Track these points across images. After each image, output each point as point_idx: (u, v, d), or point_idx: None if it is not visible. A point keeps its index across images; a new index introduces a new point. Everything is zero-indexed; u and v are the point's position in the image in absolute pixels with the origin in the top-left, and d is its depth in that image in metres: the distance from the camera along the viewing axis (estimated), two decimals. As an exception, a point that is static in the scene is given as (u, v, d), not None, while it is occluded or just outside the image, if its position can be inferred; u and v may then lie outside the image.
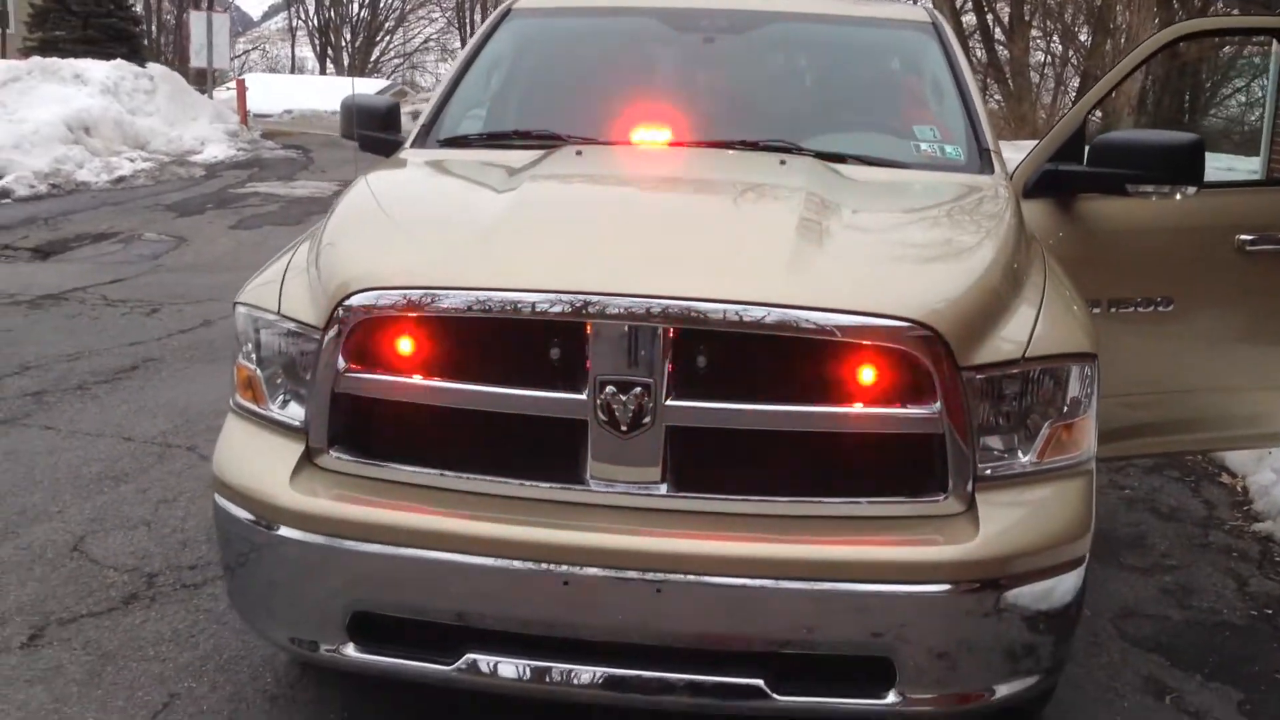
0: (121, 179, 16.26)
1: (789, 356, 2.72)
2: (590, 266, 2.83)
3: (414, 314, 2.77)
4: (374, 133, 4.19)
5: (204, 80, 25.21)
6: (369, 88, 49.06)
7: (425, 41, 62.00)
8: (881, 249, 3.16)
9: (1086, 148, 4.12)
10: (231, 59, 26.07)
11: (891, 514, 2.75)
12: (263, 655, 3.75)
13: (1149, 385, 4.30)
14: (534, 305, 2.69)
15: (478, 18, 57.84)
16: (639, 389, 2.66)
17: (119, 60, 20.12)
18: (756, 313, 2.65)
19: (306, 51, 64.58)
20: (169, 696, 3.52)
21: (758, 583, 2.63)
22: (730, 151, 3.88)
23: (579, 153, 3.78)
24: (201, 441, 5.80)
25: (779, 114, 4.13)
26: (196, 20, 23.93)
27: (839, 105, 4.37)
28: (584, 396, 2.69)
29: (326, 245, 3.09)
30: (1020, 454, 2.82)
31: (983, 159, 3.93)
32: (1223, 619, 4.39)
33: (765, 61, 4.50)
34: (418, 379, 2.80)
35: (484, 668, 2.78)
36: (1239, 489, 5.80)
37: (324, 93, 41.65)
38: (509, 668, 2.77)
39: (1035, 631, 2.78)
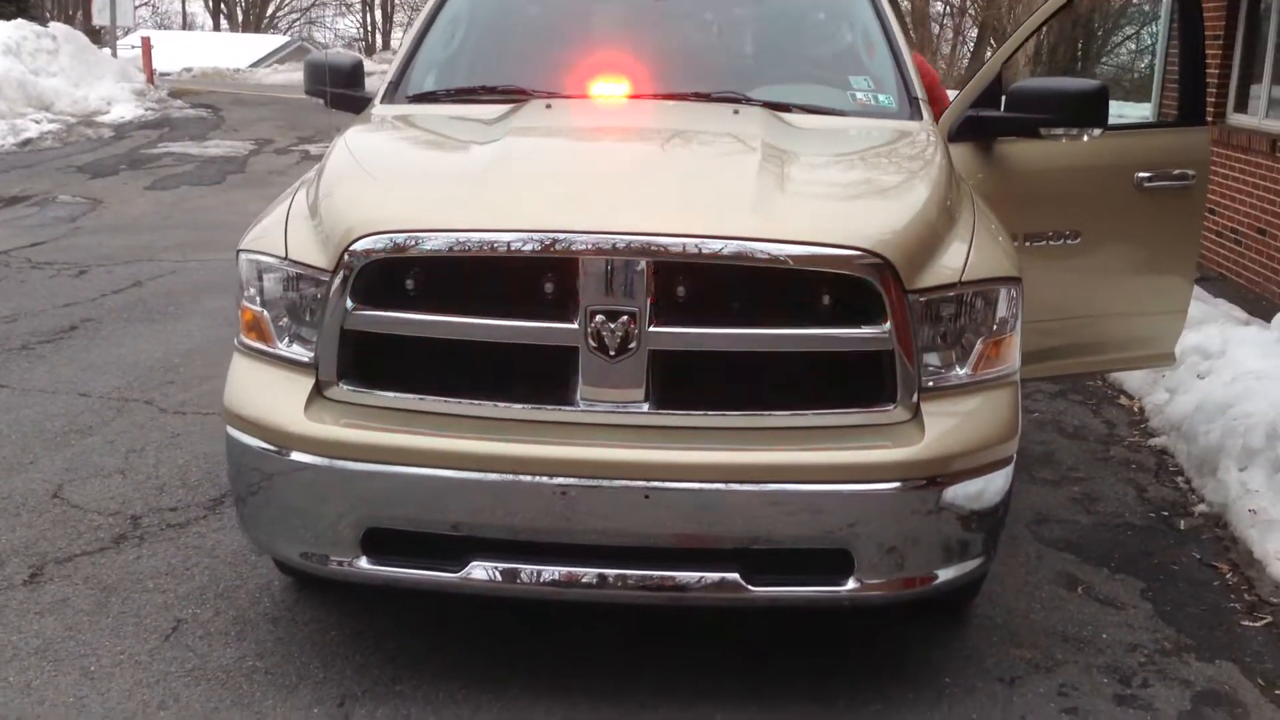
0: (28, 141, 15.99)
1: (758, 285, 3.06)
2: (563, 208, 3.13)
3: (414, 255, 3.05)
4: (341, 89, 4.41)
5: (106, 39, 24.64)
6: (266, 44, 48.10)
7: (322, -5, 60.71)
8: (831, 188, 3.52)
9: (1003, 95, 4.49)
10: (135, 15, 25.37)
11: (848, 423, 3.11)
12: (258, 583, 4.02)
13: (1059, 312, 4.70)
14: (509, 244, 3.00)
15: (375, -28, 56.88)
16: (625, 317, 2.97)
17: (20, 20, 19.64)
18: (715, 245, 2.98)
19: (195, 7, 62.85)
20: (175, 621, 3.77)
21: (735, 487, 2.99)
22: (686, 103, 4.19)
23: (548, 106, 4.07)
24: (158, 395, 5.98)
25: (728, 67, 4.44)
26: (100, -24, 23.41)
27: (782, 58, 4.69)
28: (575, 325, 3.00)
29: (325, 195, 3.34)
30: (957, 367, 3.20)
31: (912, 106, 4.29)
32: (1125, 521, 4.86)
33: (711, 17, 4.80)
34: (424, 315, 3.08)
35: (489, 574, 3.09)
36: (1136, 409, 6.31)
37: (223, 49, 40.84)
38: (513, 573, 3.09)
39: (972, 521, 3.17)
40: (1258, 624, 3.99)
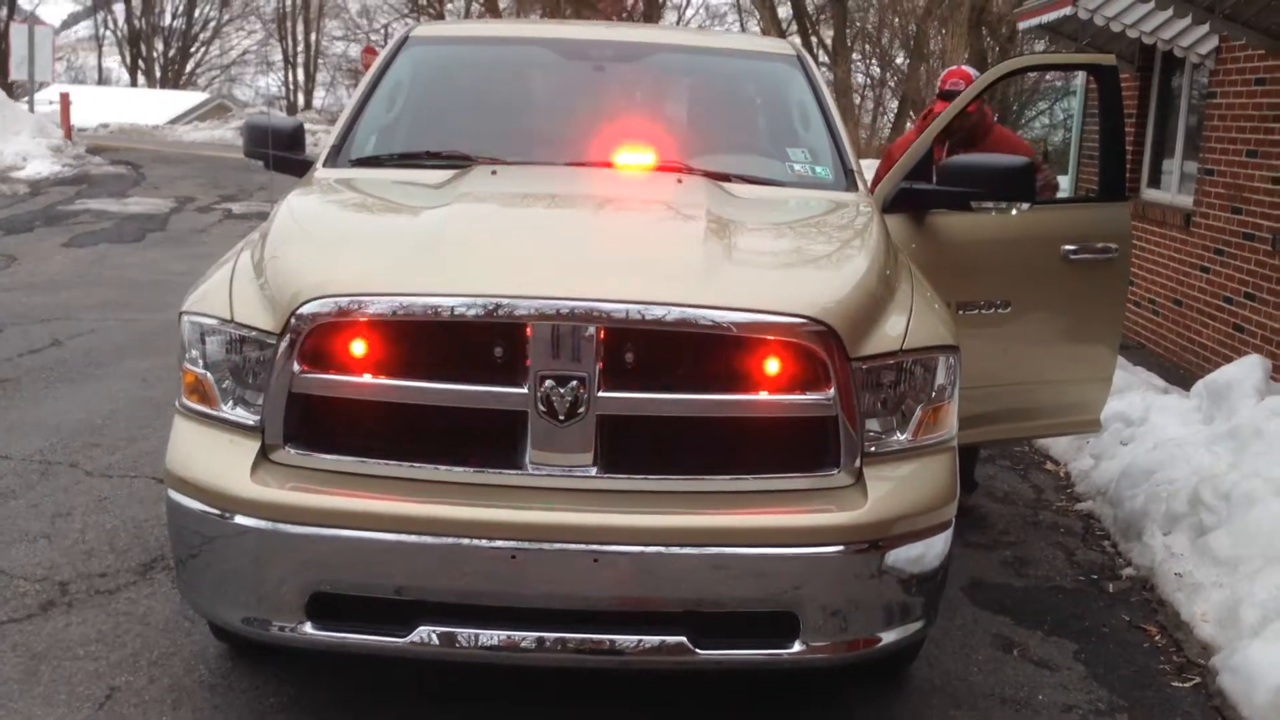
0: (-61, 196, 15.66)
1: (705, 352, 3.11)
2: (507, 274, 3.16)
3: (358, 318, 3.05)
4: (282, 152, 4.41)
5: (19, 93, 24.29)
6: (185, 101, 47.69)
7: (243, 54, 60.48)
8: (775, 256, 3.60)
9: (934, 169, 4.63)
10: (53, 70, 24.93)
11: (792, 487, 3.15)
12: (193, 649, 3.94)
13: (990, 379, 4.81)
14: (452, 309, 3.02)
15: (299, 30, 56.87)
16: (575, 382, 3.00)
17: (-67, 74, 19.34)
18: (657, 311, 3.02)
19: (112, 62, 62.12)
20: (109, 689, 3.68)
21: (682, 550, 3.00)
22: (630, 172, 4.26)
23: (494, 172, 4.11)
24: (82, 458, 5.85)
25: (669, 138, 4.53)
26: (17, 33, 22.98)
27: (720, 130, 4.80)
28: (525, 390, 3.02)
29: (270, 258, 3.33)
30: (898, 433, 3.26)
31: (848, 178, 4.41)
32: (1056, 584, 4.97)
33: (653, 89, 4.91)
34: (372, 379, 3.08)
35: (437, 639, 3.06)
36: (1062, 474, 6.47)
37: (141, 105, 40.40)
38: (461, 638, 3.06)
39: (914, 584, 3.22)
40: (1186, 685, 4.09)
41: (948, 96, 5.85)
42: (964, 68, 6.01)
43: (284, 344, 3.07)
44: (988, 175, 4.36)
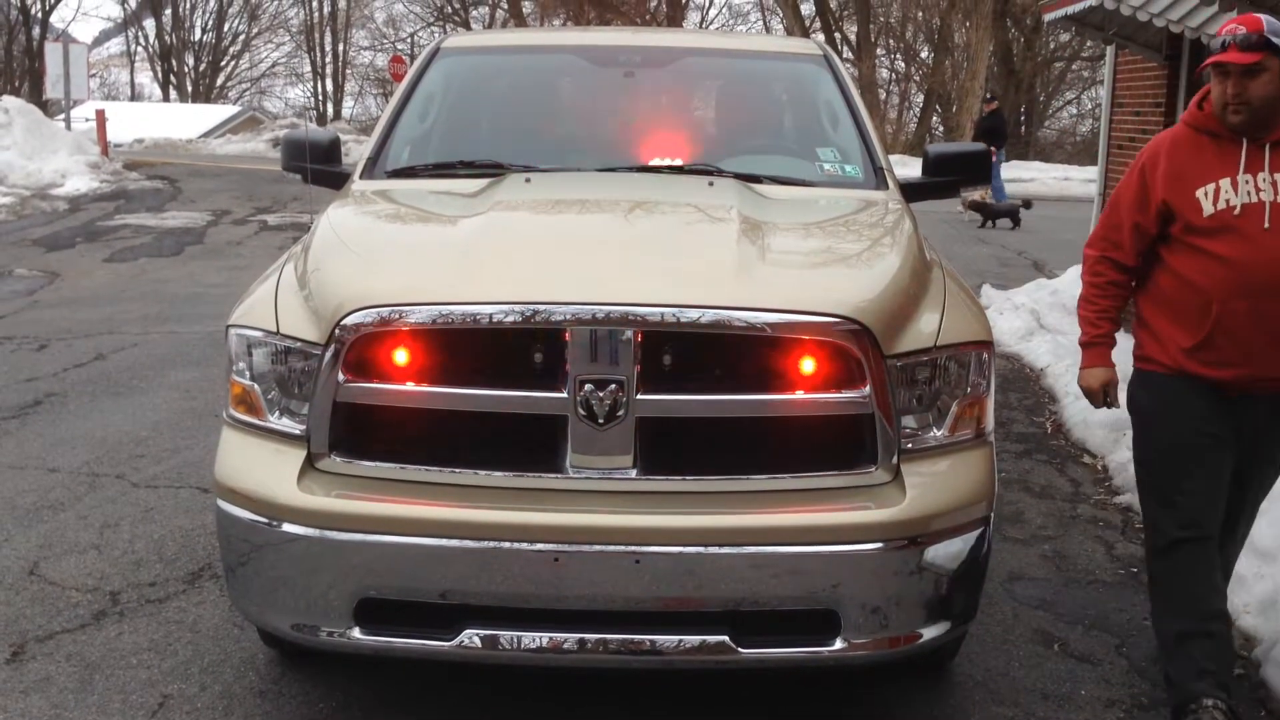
0: (-19, 215, 15.91)
1: (741, 353, 3.15)
2: (544, 280, 3.21)
3: (399, 327, 3.11)
4: (320, 165, 4.48)
5: (54, 110, 24.60)
6: (217, 114, 48.12)
7: (273, 66, 61.02)
8: (807, 257, 3.63)
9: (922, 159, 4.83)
10: (89, 88, 25.30)
11: (830, 485, 3.19)
12: (243, 656, 4.01)
13: None
14: (491, 316, 3.07)
15: (327, 41, 57.32)
16: (613, 385, 3.04)
17: (-28, 94, 19.64)
18: (692, 314, 3.06)
19: (144, 78, 62.76)
20: (162, 698, 3.75)
21: (724, 550, 3.05)
22: (661, 175, 4.31)
23: (528, 180, 4.16)
24: (128, 470, 5.95)
25: (699, 140, 4.58)
26: (52, 51, 23.32)
27: (750, 131, 4.85)
28: (564, 394, 3.06)
29: (313, 270, 3.40)
30: (934, 429, 3.29)
31: (878, 176, 4.44)
32: (1096, 578, 4.96)
33: (681, 93, 4.95)
34: (416, 387, 3.13)
35: (482, 642, 3.12)
36: (1099, 467, 6.44)
37: (174, 120, 40.82)
38: (505, 640, 3.12)
39: (954, 580, 3.24)
40: (1229, 676, 4.08)
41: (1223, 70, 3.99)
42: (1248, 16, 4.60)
43: (328, 354, 3.13)
44: (965, 161, 4.61)
